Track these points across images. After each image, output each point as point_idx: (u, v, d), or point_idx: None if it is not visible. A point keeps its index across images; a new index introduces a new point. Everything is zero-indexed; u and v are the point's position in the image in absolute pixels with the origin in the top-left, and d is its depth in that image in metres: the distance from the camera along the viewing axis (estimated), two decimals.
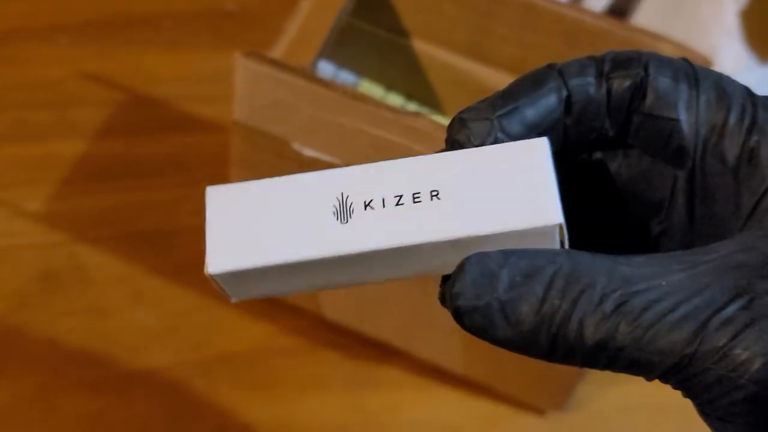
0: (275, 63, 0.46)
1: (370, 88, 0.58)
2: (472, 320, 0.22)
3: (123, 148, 0.67)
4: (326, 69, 0.56)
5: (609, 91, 0.25)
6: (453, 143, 0.25)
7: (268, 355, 0.59)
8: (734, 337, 0.21)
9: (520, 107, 0.25)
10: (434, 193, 0.24)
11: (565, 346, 0.22)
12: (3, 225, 0.62)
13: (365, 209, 0.24)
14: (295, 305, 0.60)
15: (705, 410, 0.23)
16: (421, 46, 0.56)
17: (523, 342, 0.22)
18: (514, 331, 0.22)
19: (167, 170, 0.66)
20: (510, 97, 0.25)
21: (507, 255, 0.23)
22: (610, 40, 0.51)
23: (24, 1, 0.74)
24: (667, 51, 0.51)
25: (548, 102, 0.25)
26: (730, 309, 0.21)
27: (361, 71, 0.58)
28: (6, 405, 0.56)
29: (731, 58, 0.64)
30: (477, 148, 0.24)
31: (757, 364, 0.21)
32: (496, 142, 0.24)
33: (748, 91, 0.25)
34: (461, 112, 0.25)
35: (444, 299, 0.24)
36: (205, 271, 0.25)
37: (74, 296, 0.60)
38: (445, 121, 0.56)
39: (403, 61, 0.56)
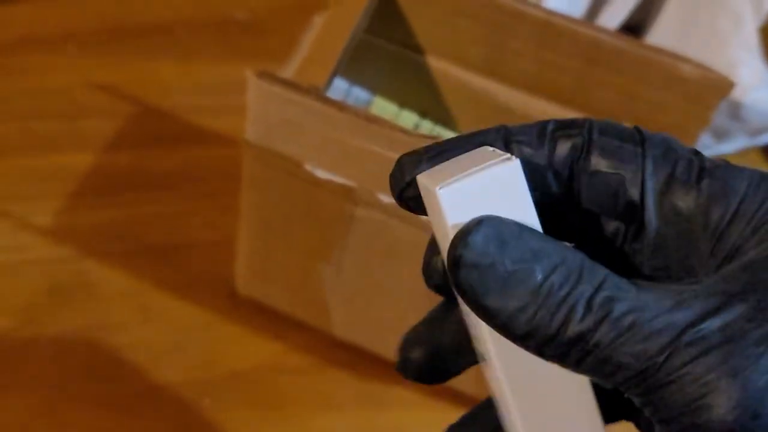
0: (287, 83, 0.45)
1: (384, 105, 0.57)
2: (469, 276, 0.22)
3: (132, 160, 0.66)
4: (339, 85, 0.56)
5: (553, 150, 0.25)
6: (390, 178, 0.26)
7: (278, 373, 0.58)
8: (703, 353, 0.22)
9: (453, 149, 0.25)
10: None
11: (544, 331, 0.23)
12: (10, 239, 0.61)
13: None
14: (305, 323, 0.59)
15: (659, 426, 0.23)
16: (435, 63, 0.55)
17: (506, 316, 0.23)
18: (503, 302, 0.23)
19: (177, 183, 0.65)
20: (447, 142, 0.25)
21: (522, 229, 0.23)
22: (628, 59, 0.50)
23: (33, 10, 0.73)
24: (686, 70, 0.50)
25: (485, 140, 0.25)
26: (706, 326, 0.22)
27: (375, 88, 0.57)
28: (13, 421, 0.55)
29: (750, 73, 0.64)
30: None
31: (721, 383, 0.22)
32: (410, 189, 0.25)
33: (695, 151, 0.26)
34: (405, 153, 0.26)
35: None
36: None
37: (82, 311, 0.59)
38: None
39: (417, 78, 0.56)
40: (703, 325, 0.22)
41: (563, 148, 0.25)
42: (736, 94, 0.63)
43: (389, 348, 0.58)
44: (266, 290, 0.59)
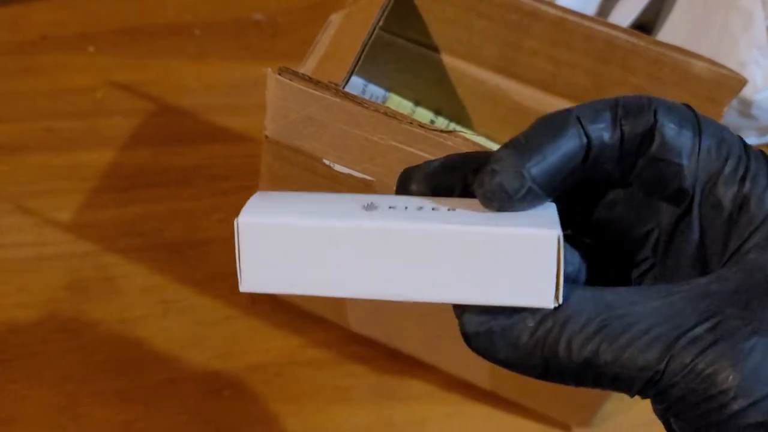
0: (307, 79, 0.46)
1: (399, 102, 0.58)
2: (478, 343, 0.26)
3: (151, 157, 0.67)
4: (355, 82, 0.57)
5: (622, 137, 0.27)
6: (486, 194, 0.26)
7: (296, 367, 0.59)
8: (699, 354, 0.24)
9: (545, 156, 0.26)
10: (450, 209, 0.26)
11: (556, 365, 0.25)
12: (32, 235, 0.62)
13: (388, 209, 0.26)
14: (323, 318, 0.60)
15: (682, 425, 0.25)
16: (450, 61, 0.56)
17: (520, 363, 0.25)
18: (512, 352, 0.25)
19: (195, 180, 0.66)
20: (535, 145, 0.26)
21: None
22: (642, 57, 0.51)
23: (53, 11, 0.74)
24: (699, 67, 0.50)
25: (570, 149, 0.26)
26: (698, 330, 0.24)
27: (390, 85, 0.58)
28: (36, 414, 0.56)
29: (761, 72, 0.64)
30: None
31: (721, 376, 0.23)
32: (527, 194, 0.26)
33: (743, 142, 0.27)
34: (492, 163, 0.26)
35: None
36: (234, 225, 0.26)
37: (103, 306, 0.60)
38: (475, 137, 0.56)
39: (432, 76, 0.56)
40: (696, 330, 0.24)
41: (632, 135, 0.27)
42: (747, 92, 0.63)
43: (405, 342, 0.59)
44: None
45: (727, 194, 0.26)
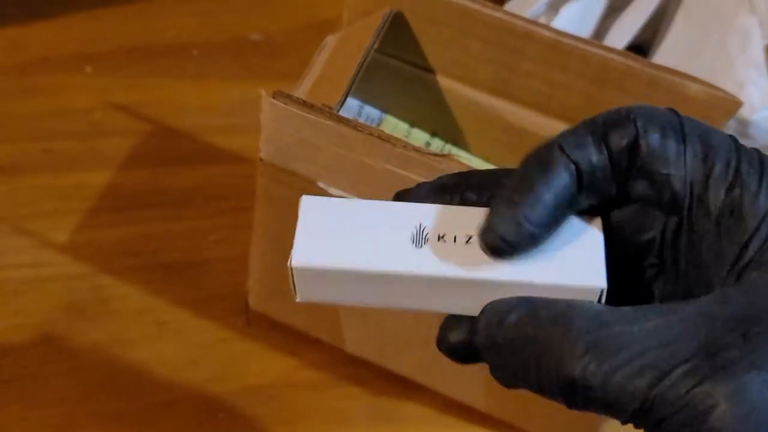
0: (301, 102, 0.46)
1: (395, 124, 0.58)
2: (488, 354, 0.26)
3: (149, 178, 0.67)
4: (351, 104, 0.57)
5: (610, 156, 0.26)
6: (493, 251, 0.26)
7: (292, 388, 0.59)
8: (694, 386, 0.22)
9: (539, 197, 0.26)
10: None
11: (548, 380, 0.24)
12: (29, 256, 0.62)
13: (438, 241, 0.27)
14: (319, 340, 0.60)
15: None
16: (446, 83, 0.56)
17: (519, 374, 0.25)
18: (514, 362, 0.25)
19: (193, 201, 0.66)
20: (527, 187, 0.26)
21: (521, 300, 0.26)
22: (637, 79, 0.51)
23: (51, 32, 0.74)
24: (693, 89, 0.50)
25: (562, 182, 0.26)
26: (695, 360, 0.23)
27: (386, 107, 0.58)
28: None
29: (759, 92, 0.64)
30: None
31: (716, 412, 0.22)
32: (530, 239, 0.26)
33: (734, 143, 0.26)
34: (490, 218, 0.26)
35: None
36: (288, 264, 0.27)
37: (99, 327, 0.60)
38: (470, 159, 0.56)
39: (428, 98, 0.57)
40: (693, 360, 0.23)
41: (619, 150, 0.26)
42: (744, 112, 0.63)
43: (401, 364, 0.59)
44: (279, 307, 0.60)
45: (715, 200, 0.25)
